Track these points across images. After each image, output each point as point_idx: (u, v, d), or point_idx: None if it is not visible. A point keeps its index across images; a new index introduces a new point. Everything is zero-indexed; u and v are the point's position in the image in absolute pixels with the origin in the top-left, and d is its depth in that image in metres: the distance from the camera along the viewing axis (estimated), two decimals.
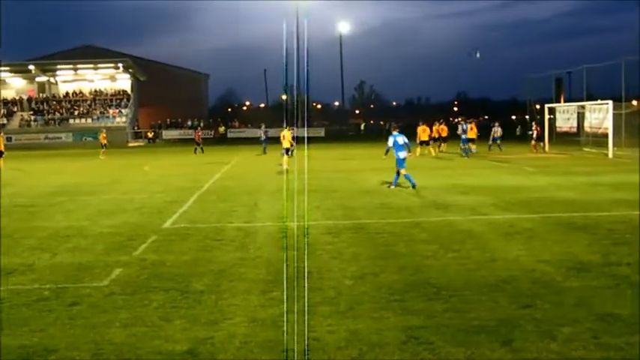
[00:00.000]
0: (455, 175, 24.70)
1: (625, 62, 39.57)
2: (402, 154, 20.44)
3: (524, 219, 14.24)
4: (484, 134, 44.63)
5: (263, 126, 47.87)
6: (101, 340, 6.97)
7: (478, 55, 43.71)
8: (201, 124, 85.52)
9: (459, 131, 36.89)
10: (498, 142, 42.06)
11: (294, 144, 28.91)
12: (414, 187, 19.82)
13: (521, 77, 56.81)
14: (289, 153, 28.40)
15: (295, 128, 30.92)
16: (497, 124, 43.74)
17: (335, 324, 7.29)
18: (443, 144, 40.68)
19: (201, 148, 46.02)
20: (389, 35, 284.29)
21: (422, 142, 37.60)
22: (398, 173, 20.58)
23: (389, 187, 20.61)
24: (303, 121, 28.86)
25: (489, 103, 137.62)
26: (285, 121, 28.96)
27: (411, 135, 40.27)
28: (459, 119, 37.81)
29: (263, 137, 45.30)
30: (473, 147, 38.17)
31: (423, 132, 37.73)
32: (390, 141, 20.65)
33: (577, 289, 8.60)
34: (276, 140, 35.59)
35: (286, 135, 28.46)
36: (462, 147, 36.76)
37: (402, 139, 20.60)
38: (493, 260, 10.33)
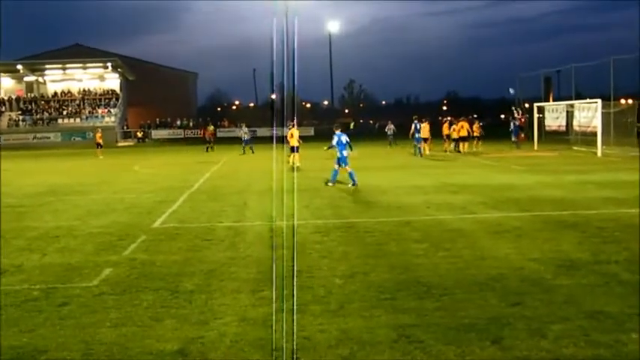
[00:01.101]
0: (445, 174, 24.74)
1: (614, 61, 39.77)
2: (345, 153, 21.53)
3: (514, 217, 14.29)
4: (492, 133, 44.90)
5: (244, 126, 47.51)
6: (91, 340, 6.95)
7: (512, 91, 44.28)
8: (191, 124, 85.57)
9: (412, 130, 36.73)
10: (519, 130, 42.41)
11: (301, 142, 28.95)
12: (354, 184, 20.86)
13: (513, 76, 57.05)
14: (296, 151, 28.31)
15: (285, 127, 30.76)
16: (518, 110, 44.04)
17: (326, 323, 7.29)
18: (475, 142, 40.63)
19: (212, 147, 45.37)
20: (378, 34, 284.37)
21: (424, 140, 37.56)
22: (337, 171, 21.65)
23: (327, 184, 21.30)
24: (291, 120, 28.76)
25: (479, 102, 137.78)
26: (293, 119, 28.77)
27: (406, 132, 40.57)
28: (414, 118, 37.64)
29: (245, 137, 44.69)
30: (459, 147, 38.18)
31: (423, 129, 37.68)
32: (335, 140, 21.78)
33: (567, 286, 8.63)
34: (265, 140, 35.61)
35: (294, 133, 28.40)
36: (416, 145, 36.56)
37: (344, 139, 21.78)
38: (483, 259, 10.36)
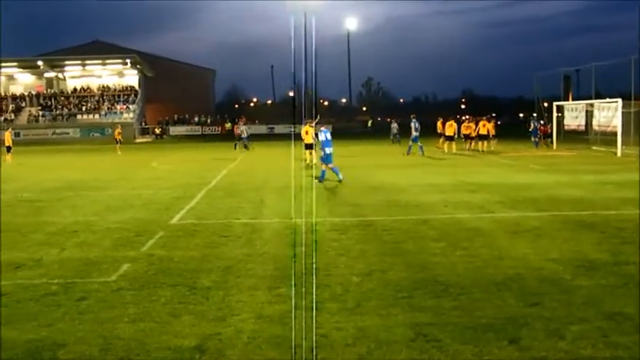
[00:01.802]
0: (462, 173, 24.63)
1: (634, 60, 39.38)
2: (329, 150, 21.55)
3: (532, 217, 14.20)
4: (510, 132, 44.56)
5: (241, 124, 47.55)
6: (109, 335, 6.99)
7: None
8: (209, 121, 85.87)
9: (412, 129, 36.49)
10: (540, 138, 42.04)
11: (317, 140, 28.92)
12: (320, 180, 21.00)
13: (529, 75, 56.67)
14: (312, 148, 28.30)
15: (303, 125, 30.74)
16: (541, 120, 43.64)
17: (342, 321, 7.29)
18: (492, 141, 39.96)
19: (241, 144, 45.50)
20: (394, 32, 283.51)
21: (448, 138, 37.49)
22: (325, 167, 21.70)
23: (319, 182, 21.07)
24: (311, 117, 28.60)
25: (497, 101, 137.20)
26: (311, 116, 28.64)
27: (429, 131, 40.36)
28: (412, 116, 37.43)
29: (243, 135, 44.74)
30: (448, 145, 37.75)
31: (449, 127, 37.58)
32: (322, 136, 21.80)
33: (586, 287, 8.57)
34: (284, 137, 35.53)
35: (309, 131, 28.42)
36: (412, 144, 36.38)
37: (329, 135, 21.87)
38: (501, 258, 10.30)
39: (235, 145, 45.23)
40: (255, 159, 35.80)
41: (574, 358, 6.20)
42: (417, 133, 35.91)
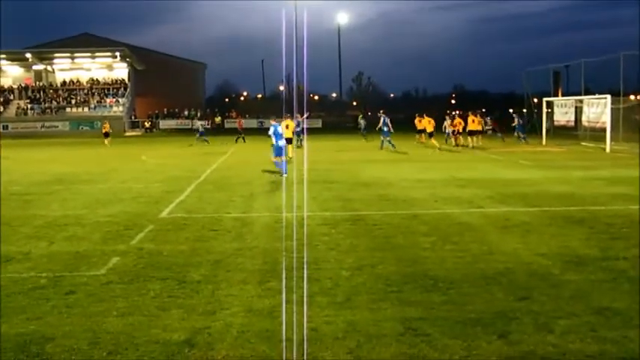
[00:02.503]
0: (452, 168, 24.68)
1: (623, 57, 39.53)
2: (282, 143, 22.41)
3: (522, 212, 14.24)
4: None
5: (197, 120, 49.09)
6: (98, 328, 6.97)
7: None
8: (199, 114, 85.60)
9: (380, 124, 36.76)
10: (519, 133, 42.18)
11: (301, 135, 28.98)
12: (283, 174, 21.25)
13: (520, 70, 56.80)
14: (294, 142, 28.34)
15: (293, 119, 30.68)
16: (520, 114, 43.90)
17: (332, 315, 7.29)
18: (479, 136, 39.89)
19: (243, 138, 45.90)
20: (387, 27, 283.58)
21: (430, 135, 37.64)
22: (283, 160, 22.11)
23: (281, 175, 21.49)
24: (301, 111, 28.61)
25: (487, 96, 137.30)
26: (291, 111, 28.73)
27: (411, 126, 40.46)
28: (381, 111, 37.94)
29: (201, 130, 45.30)
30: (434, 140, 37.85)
31: (428, 123, 37.74)
32: (271, 130, 22.59)
33: (574, 282, 8.61)
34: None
35: (289, 125, 28.40)
36: (382, 139, 36.55)
37: (280, 129, 22.72)
38: (490, 253, 10.33)
39: (237, 138, 45.56)
40: (246, 153, 35.73)
41: (562, 352, 6.22)
42: (387, 128, 36.20)
